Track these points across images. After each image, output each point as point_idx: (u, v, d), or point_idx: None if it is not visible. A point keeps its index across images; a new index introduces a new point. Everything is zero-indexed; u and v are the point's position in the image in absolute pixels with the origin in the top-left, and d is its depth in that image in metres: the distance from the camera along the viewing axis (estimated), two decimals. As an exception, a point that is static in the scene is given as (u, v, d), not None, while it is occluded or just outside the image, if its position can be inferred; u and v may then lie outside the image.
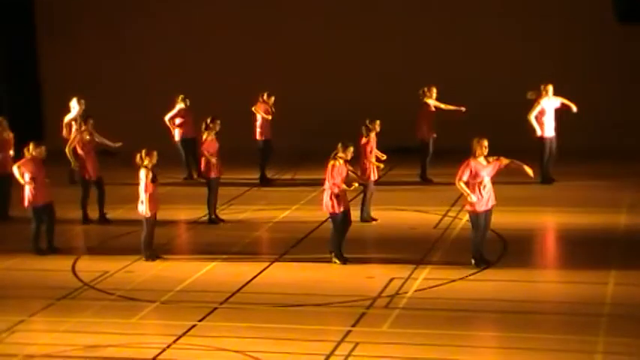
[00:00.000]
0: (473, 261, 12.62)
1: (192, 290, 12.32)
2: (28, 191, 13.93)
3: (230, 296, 11.91)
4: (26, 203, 14.05)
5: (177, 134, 18.77)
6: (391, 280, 12.22)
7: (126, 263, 13.48)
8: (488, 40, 20.74)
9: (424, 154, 17.86)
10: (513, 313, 11.05)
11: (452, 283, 12.05)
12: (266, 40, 21.97)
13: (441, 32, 21.17)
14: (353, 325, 10.78)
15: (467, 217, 13.83)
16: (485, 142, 12.36)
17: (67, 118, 18.49)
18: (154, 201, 13.35)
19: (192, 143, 18.47)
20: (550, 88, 17.08)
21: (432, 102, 17.73)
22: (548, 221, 15.17)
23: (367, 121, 15.12)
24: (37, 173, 13.90)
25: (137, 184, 13.45)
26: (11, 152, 16.10)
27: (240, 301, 11.82)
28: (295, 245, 13.84)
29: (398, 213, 15.69)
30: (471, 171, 12.35)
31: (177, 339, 10.54)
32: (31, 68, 23.32)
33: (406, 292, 11.79)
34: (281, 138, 18.74)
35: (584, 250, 13.34)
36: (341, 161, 12.98)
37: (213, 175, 15.28)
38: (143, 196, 13.26)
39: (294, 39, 21.76)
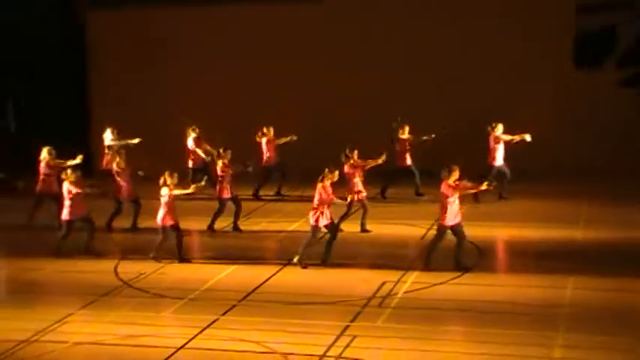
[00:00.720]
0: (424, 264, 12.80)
1: (215, 289, 12.33)
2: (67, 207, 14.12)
3: (247, 295, 11.95)
4: (65, 216, 14.16)
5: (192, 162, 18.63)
6: (384, 283, 12.22)
7: (160, 266, 13.50)
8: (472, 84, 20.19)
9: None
10: (487, 312, 11.05)
11: (435, 286, 12.04)
12: (279, 74, 21.21)
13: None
14: (351, 321, 10.78)
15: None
16: (455, 167, 12.67)
17: (108, 142, 18.67)
18: (172, 213, 13.65)
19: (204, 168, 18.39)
20: (499, 126, 16.94)
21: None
22: (516, 234, 14.90)
23: (347, 150, 15.12)
24: (75, 193, 14.06)
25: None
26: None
27: (256, 299, 11.85)
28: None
29: (390, 226, 15.63)
30: (443, 192, 12.67)
31: (201, 330, 10.56)
32: (80, 97, 22.92)
33: (396, 294, 11.81)
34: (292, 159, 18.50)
35: (546, 259, 13.24)
36: (328, 183, 13.15)
37: (225, 195, 15.49)
38: (163, 209, 13.58)
39: (303, 73, 21.12)
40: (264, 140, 18.39)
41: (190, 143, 18.74)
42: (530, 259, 13.57)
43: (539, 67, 19.21)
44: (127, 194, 15.94)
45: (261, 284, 12.48)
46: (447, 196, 12.61)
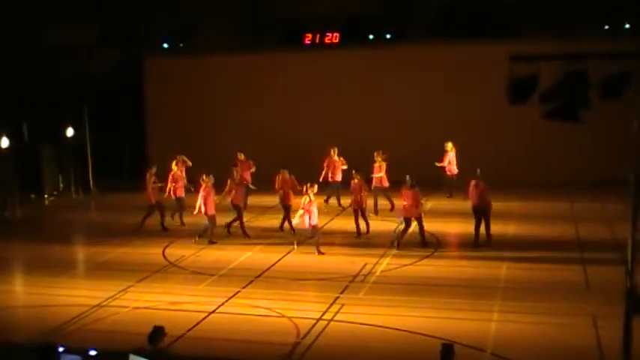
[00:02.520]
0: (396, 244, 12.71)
1: (238, 268, 12.24)
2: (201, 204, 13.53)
3: (262, 273, 11.86)
4: (203, 211, 13.57)
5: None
6: (365, 264, 12.16)
7: (195, 250, 13.35)
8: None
9: None
10: (444, 285, 11.01)
11: (405, 267, 12.01)
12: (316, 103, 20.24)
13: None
14: (340, 293, 10.72)
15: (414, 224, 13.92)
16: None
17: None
18: (210, 205, 13.48)
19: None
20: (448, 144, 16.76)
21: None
22: (465, 228, 14.39)
23: (353, 172, 14.03)
24: (208, 194, 13.60)
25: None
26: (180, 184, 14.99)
27: (269, 275, 11.76)
28: (305, 241, 13.39)
29: (371, 222, 14.98)
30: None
31: (228, 299, 10.53)
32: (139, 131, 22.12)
33: (375, 272, 11.74)
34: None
35: (486, 247, 13.05)
36: (311, 195, 12.64)
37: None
38: (201, 201, 13.41)
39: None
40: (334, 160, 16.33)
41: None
42: (475, 249, 13.30)
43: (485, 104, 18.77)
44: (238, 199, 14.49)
45: (272, 265, 12.40)
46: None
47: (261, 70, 20.84)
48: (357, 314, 9.89)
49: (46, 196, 19.32)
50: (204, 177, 13.89)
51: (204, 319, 9.84)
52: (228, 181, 14.52)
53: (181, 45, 21.73)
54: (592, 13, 18.73)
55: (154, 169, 15.22)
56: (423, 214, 13.38)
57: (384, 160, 15.57)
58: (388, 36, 20.31)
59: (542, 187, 17.66)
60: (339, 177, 16.20)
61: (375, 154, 15.61)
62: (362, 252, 12.84)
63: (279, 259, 12.71)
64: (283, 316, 9.86)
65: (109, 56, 21.19)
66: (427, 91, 19.79)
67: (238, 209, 14.25)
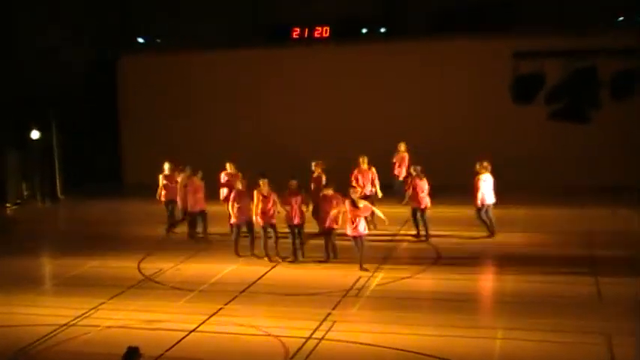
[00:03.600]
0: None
1: (221, 282, 12.18)
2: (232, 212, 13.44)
3: (247, 288, 11.81)
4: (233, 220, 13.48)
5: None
6: (359, 277, 12.12)
7: (174, 264, 13.27)
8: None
9: None
10: (443, 300, 11.02)
11: (402, 280, 11.96)
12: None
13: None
14: (332, 309, 10.68)
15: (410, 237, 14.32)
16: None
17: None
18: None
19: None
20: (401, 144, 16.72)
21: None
22: (466, 239, 14.37)
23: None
24: (242, 201, 13.44)
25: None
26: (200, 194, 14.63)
27: (254, 291, 11.72)
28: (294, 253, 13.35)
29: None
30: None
31: (209, 317, 10.47)
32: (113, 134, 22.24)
33: (370, 286, 11.72)
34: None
35: (490, 259, 13.13)
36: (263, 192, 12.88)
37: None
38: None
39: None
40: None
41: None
42: (477, 259, 13.42)
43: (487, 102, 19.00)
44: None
45: (258, 279, 12.35)
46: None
47: (246, 67, 20.82)
48: (351, 332, 9.87)
49: (8, 205, 19.17)
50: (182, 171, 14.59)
51: (183, 338, 9.81)
52: (255, 193, 13.32)
53: (158, 40, 21.65)
54: (601, 5, 18.80)
55: (188, 172, 14.87)
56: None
57: (323, 171, 14.64)
58: (383, 30, 20.38)
59: (549, 192, 17.66)
60: (368, 189, 15.14)
61: (314, 164, 14.67)
62: (355, 264, 12.81)
63: (266, 273, 12.67)
64: (270, 335, 9.83)
65: (80, 55, 21.09)
66: (424, 89, 19.85)
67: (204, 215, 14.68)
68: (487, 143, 18.13)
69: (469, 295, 11.32)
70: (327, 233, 12.96)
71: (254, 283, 12.12)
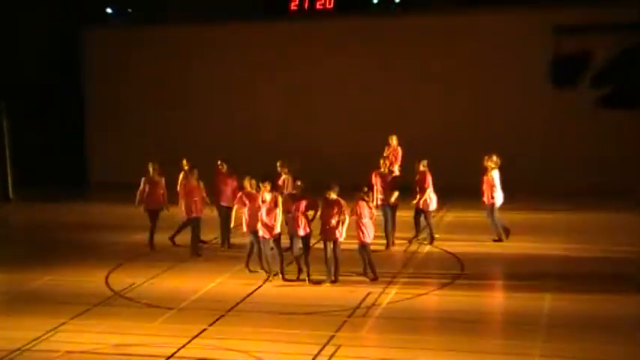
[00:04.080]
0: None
1: (204, 300, 12.19)
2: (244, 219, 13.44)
3: (235, 305, 11.81)
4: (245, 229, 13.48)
5: None
6: (368, 293, 12.12)
7: (149, 277, 13.33)
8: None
9: None
10: (468, 322, 10.96)
11: (419, 297, 11.94)
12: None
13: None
14: (336, 331, 10.65)
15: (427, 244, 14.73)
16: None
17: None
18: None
19: None
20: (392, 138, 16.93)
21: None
22: (496, 248, 14.74)
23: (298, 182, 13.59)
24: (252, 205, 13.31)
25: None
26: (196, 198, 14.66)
27: (244, 309, 11.71)
28: (290, 263, 13.30)
29: (376, 239, 14.97)
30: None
31: (190, 340, 10.43)
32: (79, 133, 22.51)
33: (380, 304, 11.70)
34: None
35: (526, 271, 13.12)
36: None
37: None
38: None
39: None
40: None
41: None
42: (508, 271, 13.44)
43: (518, 86, 19.40)
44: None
45: (248, 295, 12.35)
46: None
47: (239, 43, 21.01)
48: (359, 358, 9.87)
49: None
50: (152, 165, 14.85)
51: (159, 365, 9.91)
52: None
53: (130, 10, 21.51)
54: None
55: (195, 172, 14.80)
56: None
57: (288, 172, 14.62)
58: (397, 1, 20.40)
59: (593, 193, 17.92)
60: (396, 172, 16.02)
61: (279, 164, 14.71)
62: (364, 278, 12.83)
63: (257, 288, 12.68)
64: (262, 362, 9.96)
65: (36, 28, 20.98)
66: (443, 71, 20.04)
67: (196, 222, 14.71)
68: (524, 135, 18.56)
69: (499, 316, 11.33)
70: (326, 245, 12.77)
71: (243, 300, 12.13)
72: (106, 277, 13.47)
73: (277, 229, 12.84)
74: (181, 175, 15.10)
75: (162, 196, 15.20)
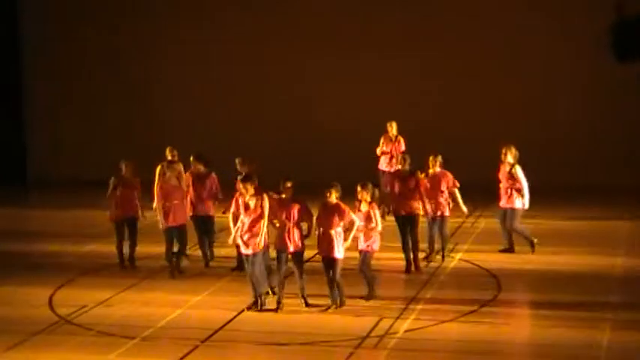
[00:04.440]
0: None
1: (174, 327, 12.06)
2: None
3: (213, 333, 11.67)
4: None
5: None
6: (381, 319, 12.02)
7: (107, 296, 13.27)
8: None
9: None
10: (507, 355, 10.95)
11: (443, 324, 11.85)
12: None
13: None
14: (341, 366, 10.50)
15: (458, 255, 15.11)
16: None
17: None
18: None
19: None
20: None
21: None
22: (541, 261, 14.95)
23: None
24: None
25: None
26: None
27: (224, 338, 11.59)
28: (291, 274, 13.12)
29: (389, 250, 15.04)
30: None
31: (156, 379, 10.25)
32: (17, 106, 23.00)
33: (396, 333, 11.58)
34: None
35: (578, 291, 13.21)
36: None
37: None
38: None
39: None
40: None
41: None
42: (556, 291, 13.41)
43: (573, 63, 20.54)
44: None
45: (230, 320, 12.25)
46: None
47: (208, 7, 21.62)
48: (369, 402, 9.58)
49: None
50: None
51: (115, 411, 9.80)
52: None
53: None
54: None
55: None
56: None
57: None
58: None
59: (608, 196, 19.04)
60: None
61: (238, 161, 14.43)
62: (375, 300, 12.78)
63: (240, 313, 12.51)
64: (248, 406, 9.70)
65: None
66: (461, 43, 21.11)
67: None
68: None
69: (545, 349, 11.11)
70: (328, 264, 12.57)
71: (223, 326, 12.01)
72: (50, 298, 13.32)
73: (262, 242, 12.53)
74: (158, 170, 14.73)
75: (136, 203, 14.81)
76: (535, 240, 15.08)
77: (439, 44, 21.25)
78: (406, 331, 11.67)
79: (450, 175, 14.63)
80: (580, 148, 20.57)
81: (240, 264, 13.77)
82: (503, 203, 14.97)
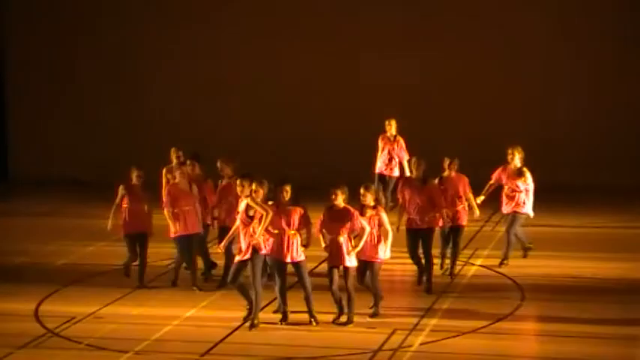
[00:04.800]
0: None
1: (170, 339, 11.94)
2: None
3: (213, 346, 11.53)
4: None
5: None
6: (394, 331, 11.88)
7: (98, 306, 13.13)
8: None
9: None
10: None
11: (462, 336, 11.67)
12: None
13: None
14: (350, 384, 10.34)
15: (478, 261, 14.94)
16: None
17: None
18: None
19: None
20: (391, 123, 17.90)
21: None
22: (568, 268, 14.84)
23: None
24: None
25: None
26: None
27: (223, 352, 11.45)
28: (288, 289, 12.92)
29: (403, 256, 14.64)
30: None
31: (150, 397, 10.04)
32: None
33: (410, 346, 11.43)
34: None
35: (611, 301, 13.07)
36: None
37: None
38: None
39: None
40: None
41: None
42: (587, 300, 13.28)
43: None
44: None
45: (230, 332, 12.08)
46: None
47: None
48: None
49: None
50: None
51: None
52: None
53: None
54: None
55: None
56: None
57: (235, 172, 13.79)
58: None
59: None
60: (396, 170, 17.35)
61: (219, 163, 13.99)
62: (388, 312, 12.60)
63: (240, 325, 12.31)
64: None
65: None
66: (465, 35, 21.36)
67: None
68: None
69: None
70: (331, 273, 12.25)
71: (222, 340, 11.84)
72: (36, 309, 13.17)
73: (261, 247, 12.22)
74: (164, 172, 14.47)
75: (147, 216, 14.09)
76: (531, 245, 15.03)
77: (439, 44, 21.51)
78: (422, 344, 11.49)
79: (466, 180, 14.08)
80: (580, 148, 20.81)
81: (225, 277, 13.37)
82: (508, 209, 14.53)
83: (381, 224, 12.23)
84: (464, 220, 13.98)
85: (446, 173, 13.96)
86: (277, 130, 21.50)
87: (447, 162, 13.97)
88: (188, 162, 14.40)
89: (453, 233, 13.94)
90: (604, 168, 20.48)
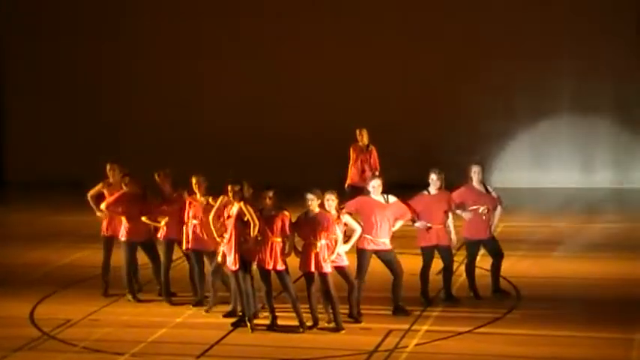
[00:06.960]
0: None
1: (166, 341, 12.02)
2: None
3: (209, 348, 11.63)
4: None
5: None
6: (389, 332, 11.99)
7: (94, 309, 13.26)
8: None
9: None
10: None
11: (459, 336, 11.82)
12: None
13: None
14: (344, 385, 10.46)
15: None
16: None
17: None
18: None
19: None
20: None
21: None
22: (564, 268, 14.98)
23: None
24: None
25: None
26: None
27: (220, 354, 11.55)
28: (281, 292, 12.89)
29: (403, 257, 14.37)
30: None
31: (147, 399, 10.22)
32: None
33: (406, 347, 11.53)
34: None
35: (607, 303, 13.19)
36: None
37: None
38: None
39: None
40: None
41: None
42: (583, 302, 13.39)
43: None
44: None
45: (227, 334, 12.20)
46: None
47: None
48: None
49: None
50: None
51: None
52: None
53: None
54: None
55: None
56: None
57: (171, 181, 13.61)
58: None
59: None
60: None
61: (157, 175, 13.68)
62: (383, 313, 12.75)
63: (236, 327, 12.46)
64: None
65: None
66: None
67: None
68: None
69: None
70: (309, 279, 12.29)
71: (218, 342, 11.95)
72: (32, 312, 13.28)
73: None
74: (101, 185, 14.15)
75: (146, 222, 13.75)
76: None
77: (439, 44, 21.81)
78: (417, 345, 11.59)
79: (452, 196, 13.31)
80: (581, 148, 21.24)
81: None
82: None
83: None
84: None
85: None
86: (257, 135, 21.90)
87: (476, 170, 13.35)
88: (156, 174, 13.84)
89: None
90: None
